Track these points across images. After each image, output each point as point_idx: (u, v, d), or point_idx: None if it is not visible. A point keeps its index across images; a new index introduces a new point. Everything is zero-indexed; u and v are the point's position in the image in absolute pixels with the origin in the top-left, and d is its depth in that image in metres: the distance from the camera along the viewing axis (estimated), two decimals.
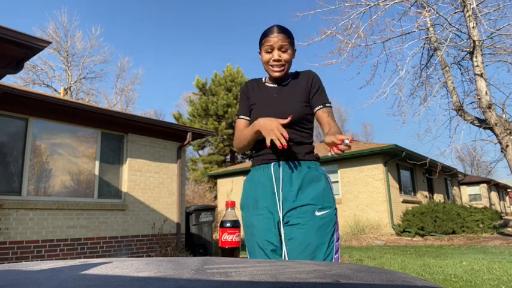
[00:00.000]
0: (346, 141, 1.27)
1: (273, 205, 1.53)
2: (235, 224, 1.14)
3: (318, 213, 1.46)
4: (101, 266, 0.68)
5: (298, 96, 1.65)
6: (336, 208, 1.55)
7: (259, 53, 1.69)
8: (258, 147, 1.66)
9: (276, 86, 1.71)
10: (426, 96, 9.69)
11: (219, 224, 1.19)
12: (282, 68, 1.63)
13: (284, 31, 1.62)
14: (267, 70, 1.67)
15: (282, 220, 1.51)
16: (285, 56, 1.62)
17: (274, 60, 1.61)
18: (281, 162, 1.57)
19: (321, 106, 1.64)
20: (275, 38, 1.60)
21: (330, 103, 1.66)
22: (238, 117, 1.76)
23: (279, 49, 1.61)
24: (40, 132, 5.92)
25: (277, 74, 1.64)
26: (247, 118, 1.73)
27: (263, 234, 1.52)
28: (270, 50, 1.61)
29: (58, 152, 6.12)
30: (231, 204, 1.17)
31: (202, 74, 49.88)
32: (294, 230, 1.46)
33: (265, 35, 1.63)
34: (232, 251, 1.12)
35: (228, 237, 1.12)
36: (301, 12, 8.72)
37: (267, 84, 1.74)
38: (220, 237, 1.14)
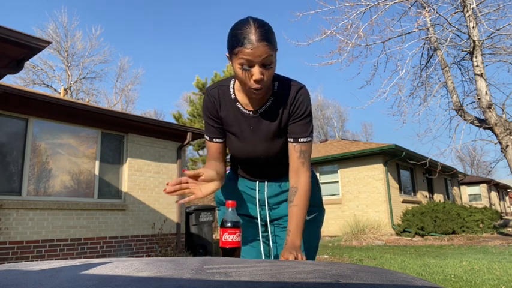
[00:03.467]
0: None
1: (255, 211, 1.48)
2: (236, 224, 1.14)
3: (307, 218, 1.45)
4: (101, 266, 0.68)
5: (278, 134, 1.35)
6: (323, 209, 1.53)
7: (229, 58, 1.22)
8: (238, 165, 1.50)
9: (252, 113, 1.34)
10: (426, 96, 9.68)
11: (219, 224, 1.19)
12: (264, 88, 1.21)
13: (266, 37, 1.15)
14: (243, 89, 1.27)
15: (268, 221, 1.49)
16: (269, 73, 1.19)
17: (255, 81, 1.17)
18: (266, 183, 1.46)
19: (292, 140, 1.32)
20: (256, 51, 1.13)
21: (307, 137, 1.32)
22: (211, 140, 1.40)
23: (262, 65, 1.16)
24: (40, 132, 5.92)
25: (257, 97, 1.26)
26: (221, 140, 1.40)
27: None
28: (247, 66, 1.16)
29: (58, 152, 6.12)
30: (231, 204, 1.17)
31: (202, 74, 49.83)
32: (282, 231, 1.46)
33: (239, 41, 1.14)
34: (233, 251, 1.12)
35: (229, 237, 1.12)
36: (301, 12, 8.71)
37: (240, 107, 1.35)
38: (220, 237, 1.14)
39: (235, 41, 1.16)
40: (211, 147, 1.41)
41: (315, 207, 1.48)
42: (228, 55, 1.22)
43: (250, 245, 1.47)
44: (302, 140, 1.31)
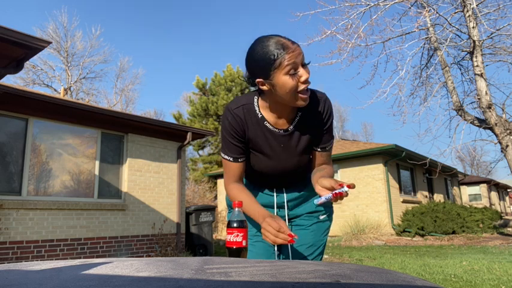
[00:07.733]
0: (345, 189, 1.11)
1: (273, 212, 1.50)
2: (242, 224, 1.14)
3: (321, 217, 1.51)
4: (101, 266, 0.68)
5: (308, 148, 1.37)
6: (333, 210, 1.58)
7: (265, 81, 1.20)
8: (255, 179, 1.49)
9: (282, 131, 1.32)
10: (426, 96, 9.69)
11: (226, 224, 1.18)
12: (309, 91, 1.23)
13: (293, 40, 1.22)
14: (290, 100, 1.21)
15: (287, 221, 1.51)
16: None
17: (304, 82, 1.17)
18: (285, 190, 1.49)
19: (320, 150, 1.38)
20: (296, 51, 1.15)
21: (331, 144, 1.39)
22: (236, 161, 1.35)
23: (304, 65, 1.18)
24: (40, 132, 5.92)
25: (305, 103, 1.22)
26: (244, 160, 1.36)
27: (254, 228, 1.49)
28: (294, 71, 1.15)
29: (58, 152, 6.12)
30: (238, 205, 1.17)
31: (202, 74, 49.92)
32: (297, 230, 1.49)
33: (276, 54, 1.14)
34: (239, 251, 1.12)
35: (235, 238, 1.12)
36: (301, 12, 8.71)
37: (268, 126, 1.32)
38: (227, 237, 1.14)
39: (270, 57, 1.15)
40: (235, 168, 1.35)
41: (328, 208, 1.52)
42: (261, 80, 1.21)
43: (269, 245, 1.48)
44: (328, 148, 1.39)
